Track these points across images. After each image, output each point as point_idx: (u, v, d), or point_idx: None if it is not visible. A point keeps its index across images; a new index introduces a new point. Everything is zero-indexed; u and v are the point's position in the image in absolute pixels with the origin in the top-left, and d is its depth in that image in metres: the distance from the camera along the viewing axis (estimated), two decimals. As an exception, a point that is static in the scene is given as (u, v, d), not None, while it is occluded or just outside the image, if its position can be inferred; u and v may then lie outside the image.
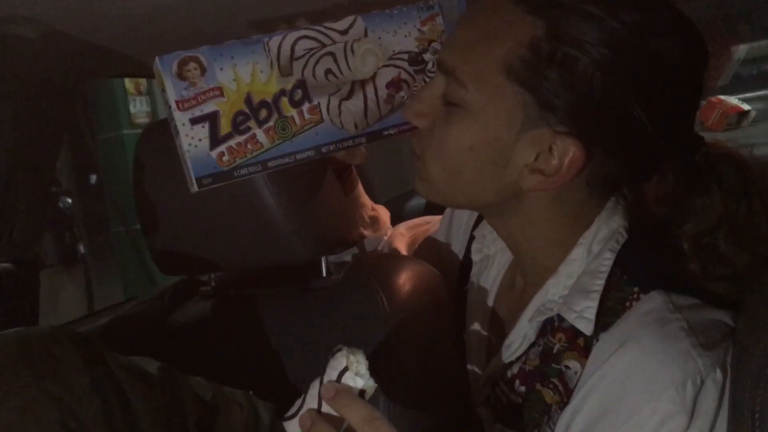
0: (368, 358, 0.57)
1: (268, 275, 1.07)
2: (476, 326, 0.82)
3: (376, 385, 0.57)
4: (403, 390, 0.79)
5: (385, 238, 1.03)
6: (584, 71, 0.59)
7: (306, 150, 0.72)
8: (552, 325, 0.69)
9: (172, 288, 1.07)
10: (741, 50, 2.37)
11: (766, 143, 1.72)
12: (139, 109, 3.85)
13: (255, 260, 0.94)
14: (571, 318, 0.65)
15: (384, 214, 1.05)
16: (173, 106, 0.66)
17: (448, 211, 1.01)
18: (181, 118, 0.66)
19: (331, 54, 0.71)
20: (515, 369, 0.71)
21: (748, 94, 2.44)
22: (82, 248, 2.95)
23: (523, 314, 0.71)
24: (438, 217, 1.06)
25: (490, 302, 0.82)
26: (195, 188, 0.68)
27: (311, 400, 0.59)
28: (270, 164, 0.70)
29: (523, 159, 0.64)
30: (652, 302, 0.63)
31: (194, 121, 0.66)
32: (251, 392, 0.83)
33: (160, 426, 0.71)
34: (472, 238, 0.89)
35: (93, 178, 4.00)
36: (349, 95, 0.73)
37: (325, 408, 0.59)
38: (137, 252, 3.06)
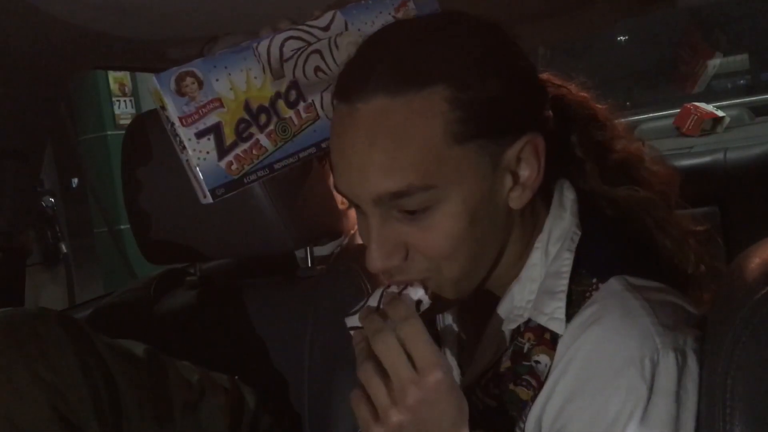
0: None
1: (254, 266, 1.08)
2: (447, 335, 0.83)
3: (431, 301, 0.63)
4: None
5: (351, 232, 1.05)
6: (492, 86, 0.63)
7: (307, 148, 0.73)
8: (518, 328, 0.70)
9: (158, 278, 1.07)
10: (716, 63, 2.42)
11: (739, 147, 1.77)
12: (123, 110, 3.83)
13: (243, 249, 0.94)
14: (543, 321, 0.67)
15: (351, 210, 1.06)
16: (177, 122, 0.66)
17: None
18: (186, 134, 0.67)
19: (318, 51, 0.73)
20: (489, 374, 0.72)
21: (722, 102, 2.49)
22: (64, 248, 2.94)
23: (491, 323, 0.72)
24: None
25: (456, 310, 0.83)
26: (209, 200, 0.70)
27: (372, 302, 0.64)
28: (276, 166, 0.72)
29: (505, 188, 0.66)
30: (611, 287, 0.65)
31: (199, 135, 0.67)
32: (237, 377, 0.84)
33: (145, 406, 0.72)
34: None
35: (76, 179, 3.97)
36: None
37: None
38: (120, 252, 3.03)
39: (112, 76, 3.76)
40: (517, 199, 0.67)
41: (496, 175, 0.65)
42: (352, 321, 0.65)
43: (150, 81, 0.67)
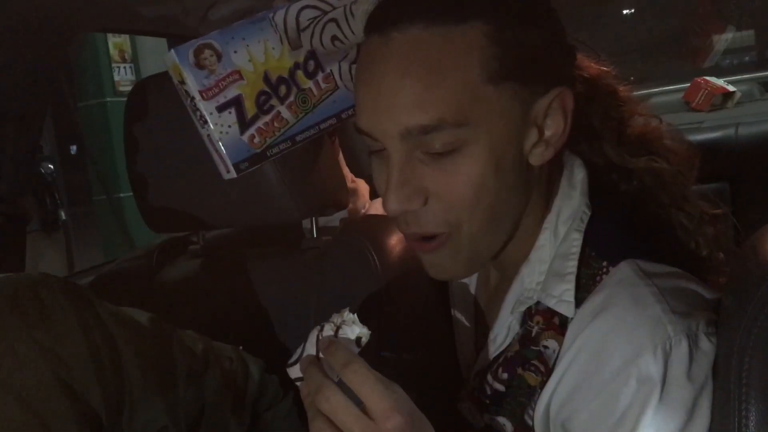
0: (359, 317, 0.60)
1: (257, 236, 1.07)
2: (462, 318, 0.82)
3: (370, 332, 0.59)
4: (394, 351, 0.80)
5: (363, 210, 1.04)
6: (530, 30, 0.62)
7: (328, 118, 0.73)
8: (529, 310, 0.69)
9: (160, 246, 1.06)
10: (727, 37, 2.37)
11: (751, 123, 1.74)
12: (123, 76, 3.79)
13: (247, 219, 0.93)
14: (551, 303, 0.66)
15: (363, 187, 1.05)
16: (197, 96, 0.66)
17: None
18: (207, 108, 0.66)
19: (334, 20, 0.72)
20: (500, 359, 0.71)
21: (733, 77, 2.44)
22: (63, 214, 2.93)
23: (503, 306, 0.72)
24: None
25: (472, 293, 0.82)
26: (233, 175, 0.69)
27: (310, 347, 0.61)
28: (298, 138, 0.71)
29: (529, 143, 0.65)
30: (622, 272, 0.63)
31: (220, 108, 0.66)
32: (241, 347, 0.83)
33: (149, 374, 0.71)
34: None
35: (74, 146, 3.95)
36: (357, 58, 0.73)
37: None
38: (119, 220, 3.03)
39: (112, 41, 3.72)
40: (539, 156, 0.65)
41: (524, 127, 0.63)
42: (295, 372, 0.61)
43: (168, 56, 0.66)
